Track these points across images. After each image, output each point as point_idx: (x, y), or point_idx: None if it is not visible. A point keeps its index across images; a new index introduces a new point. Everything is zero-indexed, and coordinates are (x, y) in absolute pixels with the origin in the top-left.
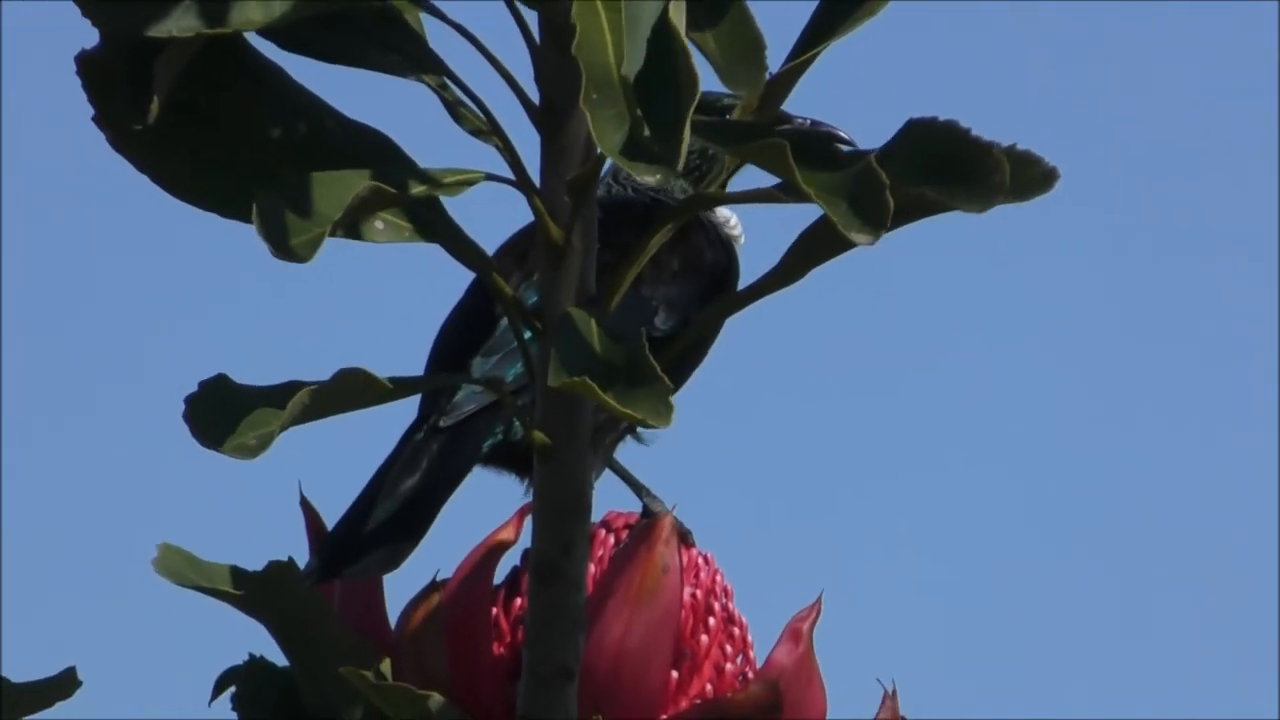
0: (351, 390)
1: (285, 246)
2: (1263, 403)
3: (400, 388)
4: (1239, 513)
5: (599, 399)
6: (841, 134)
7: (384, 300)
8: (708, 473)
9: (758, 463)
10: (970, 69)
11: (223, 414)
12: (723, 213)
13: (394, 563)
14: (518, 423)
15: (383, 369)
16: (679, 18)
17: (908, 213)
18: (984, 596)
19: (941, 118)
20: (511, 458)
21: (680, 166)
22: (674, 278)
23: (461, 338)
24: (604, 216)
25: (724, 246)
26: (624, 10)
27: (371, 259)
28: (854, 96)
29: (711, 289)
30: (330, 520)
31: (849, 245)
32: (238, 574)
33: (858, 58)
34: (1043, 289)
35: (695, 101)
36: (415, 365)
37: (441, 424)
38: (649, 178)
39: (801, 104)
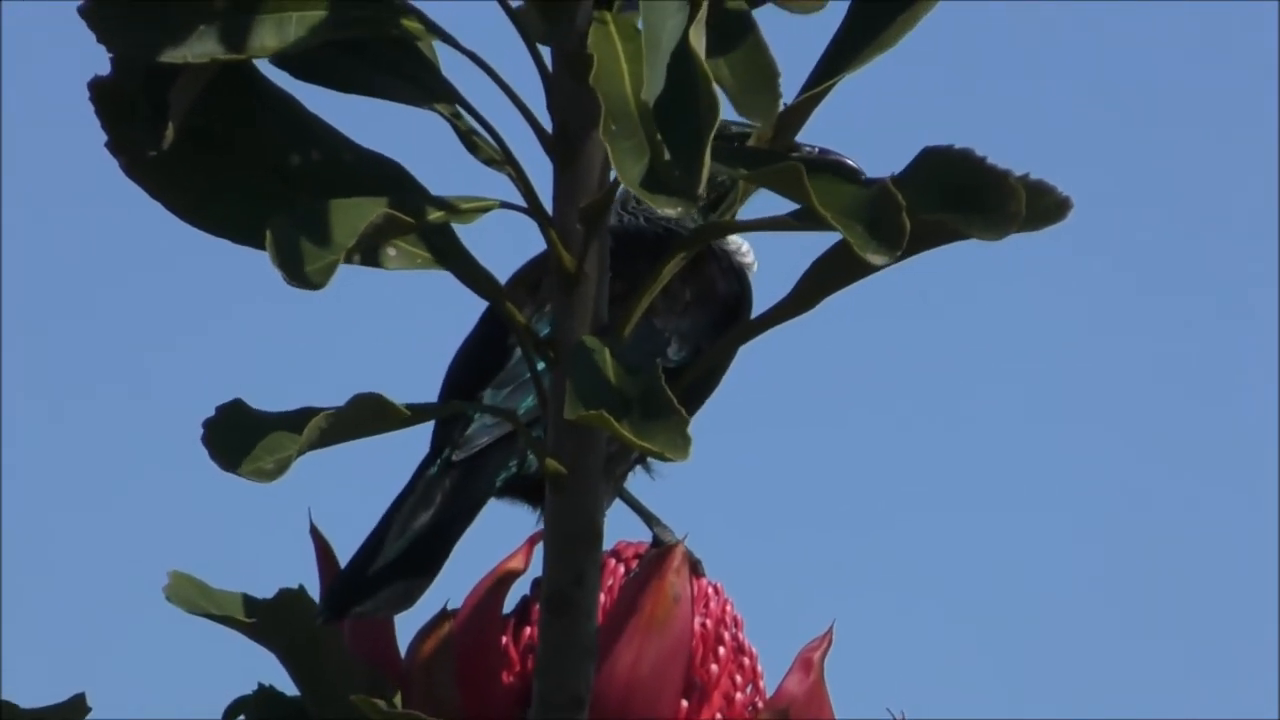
0: (367, 416)
1: (299, 274)
2: (1262, 407)
3: (416, 414)
4: (1239, 513)
5: (616, 432)
6: (849, 162)
7: (399, 327)
8: (719, 502)
9: (770, 492)
10: (986, 97)
11: (240, 438)
12: (735, 240)
13: (407, 602)
14: (531, 455)
15: (398, 396)
16: (699, 43)
17: (923, 240)
18: (995, 625)
19: (957, 146)
20: (524, 488)
21: (701, 197)
22: (687, 309)
23: (474, 367)
24: (615, 246)
25: (737, 275)
26: (644, 37)
27: (386, 286)
28: (870, 126)
29: (725, 318)
30: (341, 550)
31: (864, 271)
32: (248, 602)
33: (873, 87)
34: (1057, 315)
35: (715, 127)
36: (430, 393)
37: (455, 458)
38: (669, 210)
39: (816, 133)
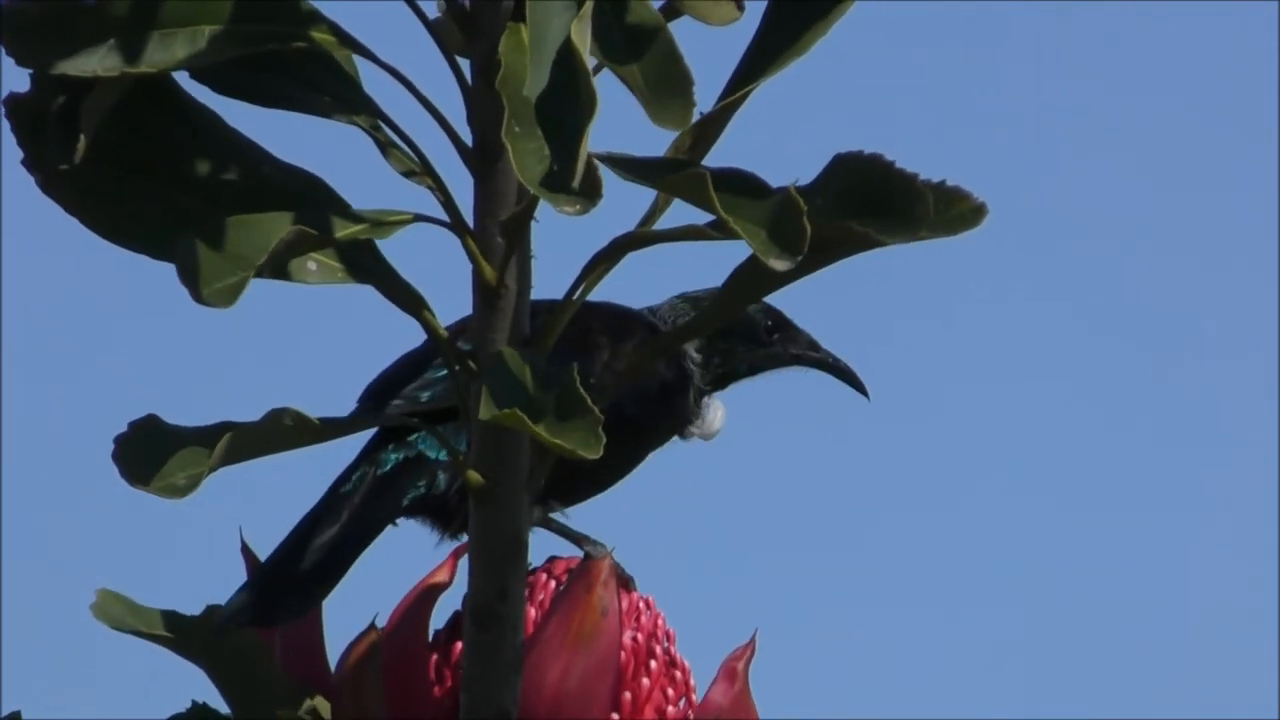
0: (281, 431)
1: (206, 292)
2: (1260, 418)
3: (331, 429)
4: (1238, 513)
5: (530, 430)
6: (855, 377)
7: (323, 341)
8: (648, 518)
9: (700, 507)
10: (913, 101)
11: (152, 454)
12: (715, 402)
13: (301, 611)
14: (441, 475)
15: (323, 411)
16: (582, 41)
17: (837, 247)
18: (918, 626)
19: (867, 152)
20: (434, 510)
21: (595, 193)
22: (615, 376)
23: (397, 384)
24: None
25: (680, 374)
26: (529, 35)
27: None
28: (790, 133)
29: (653, 399)
30: None
31: (776, 281)
32: (176, 619)
33: (792, 95)
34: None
35: (593, 121)
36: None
37: (367, 474)
38: (569, 209)
39: (734, 144)
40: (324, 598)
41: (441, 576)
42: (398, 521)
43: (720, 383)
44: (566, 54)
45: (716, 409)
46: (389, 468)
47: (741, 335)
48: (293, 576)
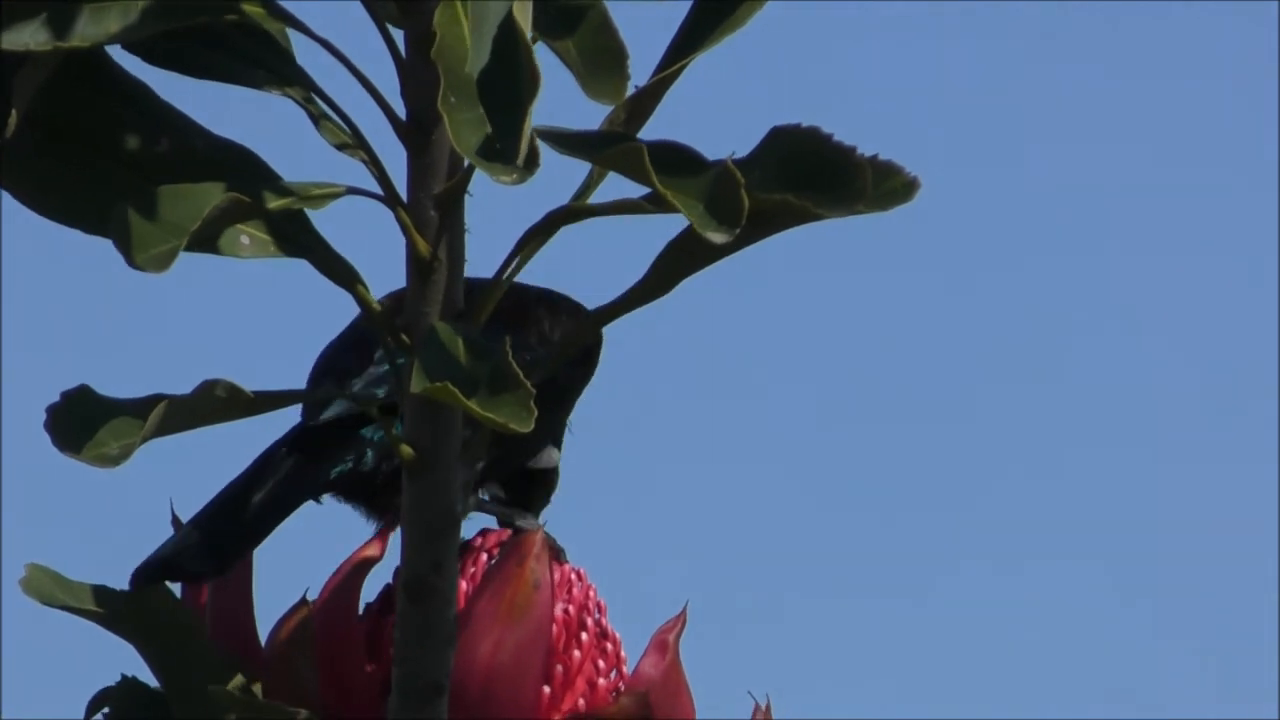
0: (214, 403)
1: (140, 258)
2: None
3: (263, 402)
4: (1237, 513)
5: (461, 404)
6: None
7: (258, 315)
8: (579, 489)
9: (631, 478)
10: (856, 73)
11: (84, 423)
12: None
13: (213, 572)
14: (370, 452)
15: (257, 385)
16: (524, 16)
17: (773, 220)
18: (874, 599)
19: (804, 124)
20: (357, 488)
21: (535, 163)
22: (550, 349)
23: (340, 363)
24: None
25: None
26: (470, 9)
27: (245, 274)
28: (726, 108)
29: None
30: None
31: (713, 254)
32: (105, 593)
33: (729, 68)
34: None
35: (536, 96)
36: (288, 382)
37: (307, 423)
38: (506, 178)
39: (670, 117)
40: (236, 560)
41: (373, 550)
42: (321, 499)
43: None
44: (508, 27)
45: None
46: (318, 440)
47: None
48: (209, 538)
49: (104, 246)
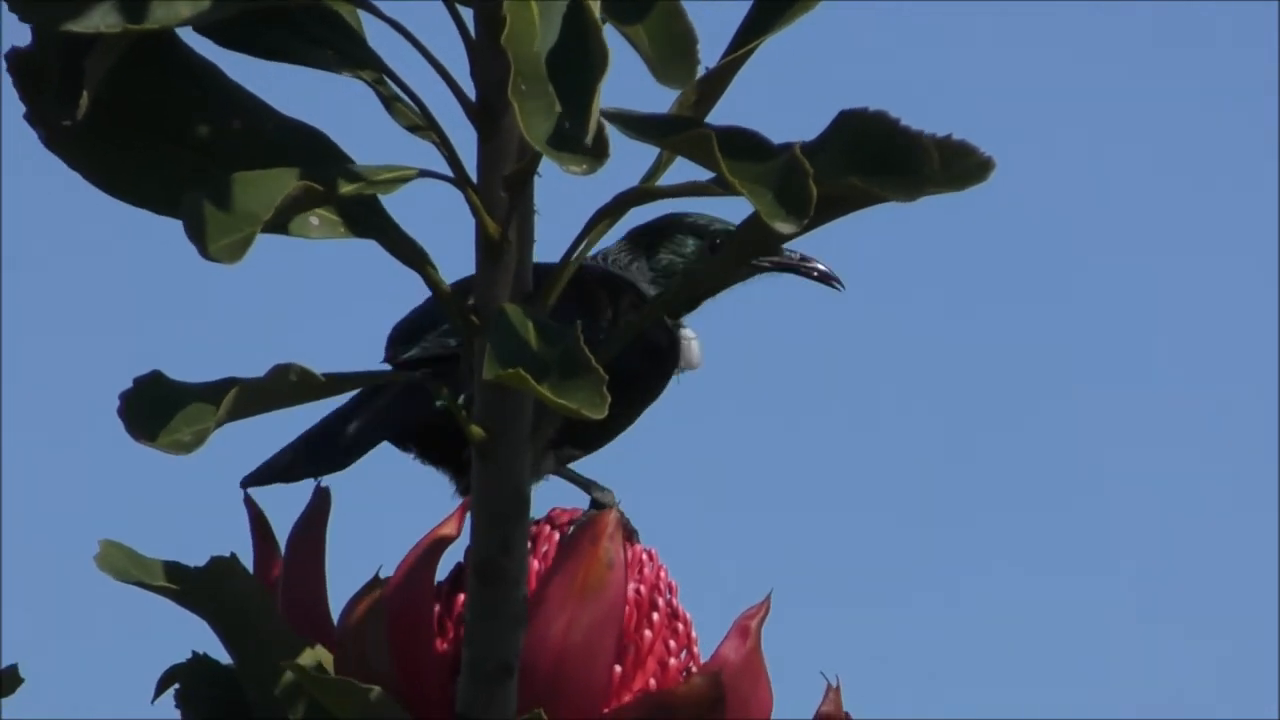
0: (286, 386)
1: (213, 248)
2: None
3: (335, 384)
4: (1237, 513)
5: (534, 390)
6: (824, 268)
7: (327, 296)
8: (652, 470)
9: (705, 460)
10: (923, 62)
11: (158, 410)
12: (686, 332)
13: (321, 473)
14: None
15: (327, 366)
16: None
17: (842, 204)
18: (937, 596)
19: (872, 108)
20: (447, 455)
21: (602, 153)
22: (616, 333)
23: (407, 340)
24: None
25: (669, 336)
26: None
27: (314, 254)
28: (793, 92)
29: (645, 358)
30: (274, 514)
31: (780, 241)
32: (180, 570)
33: (796, 52)
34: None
35: (604, 77)
36: (358, 362)
37: (402, 357)
38: (576, 169)
39: (739, 101)
40: (335, 468)
41: (449, 529)
42: (410, 448)
43: (688, 307)
44: (577, 10)
45: (690, 340)
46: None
47: (677, 248)
48: (311, 449)
49: (172, 228)
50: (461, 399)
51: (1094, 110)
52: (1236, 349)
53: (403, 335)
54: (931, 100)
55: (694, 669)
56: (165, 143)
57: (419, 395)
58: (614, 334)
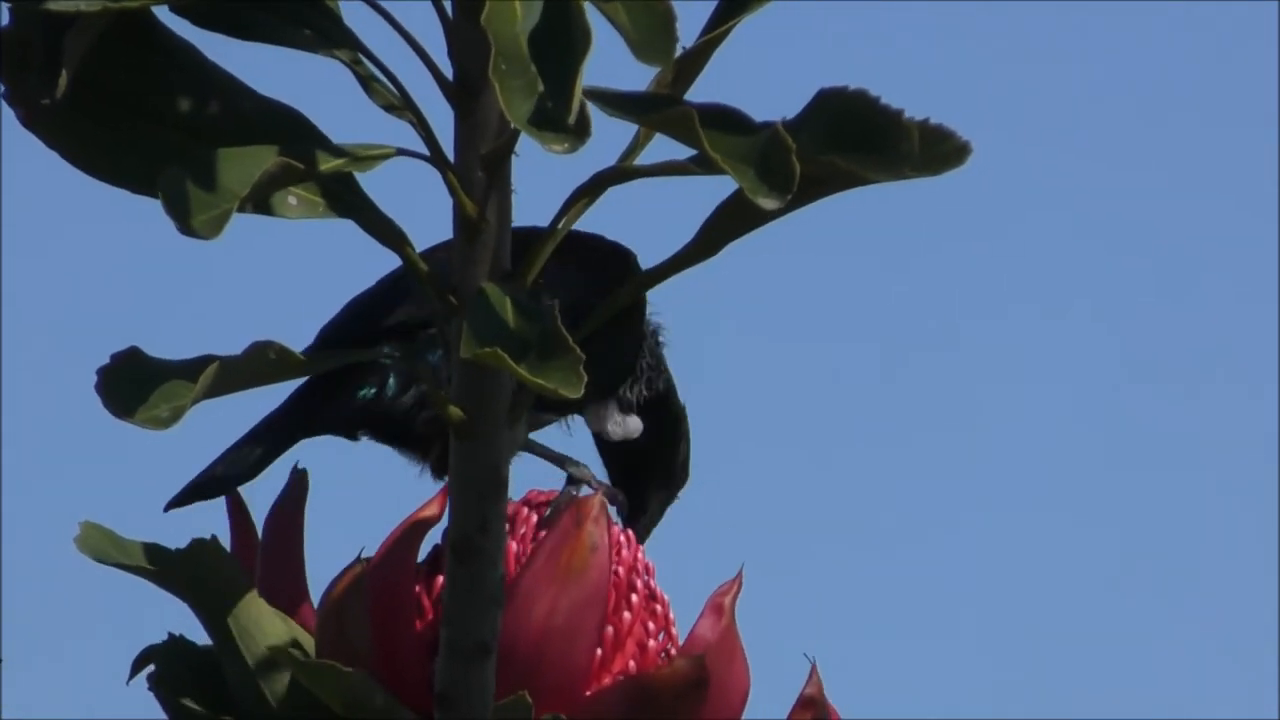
0: (264, 364)
1: (191, 223)
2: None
3: (313, 363)
4: (1236, 512)
5: (511, 369)
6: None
7: (304, 275)
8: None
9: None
10: (901, 46)
11: (136, 386)
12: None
13: (237, 480)
14: (393, 378)
15: (303, 345)
16: None
17: (821, 184)
18: (911, 569)
19: (852, 87)
20: (391, 426)
21: (584, 132)
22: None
23: (368, 317)
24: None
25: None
26: None
27: (290, 234)
28: (773, 71)
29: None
30: (253, 501)
31: (763, 217)
32: (159, 551)
33: (771, 34)
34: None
35: (587, 56)
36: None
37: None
38: (557, 147)
39: (717, 79)
40: (259, 471)
41: (430, 511)
42: (358, 435)
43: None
44: None
45: (631, 418)
46: (343, 370)
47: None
48: (233, 455)
49: (149, 207)
50: (411, 387)
51: (1085, 107)
52: (1236, 349)
53: (356, 317)
54: (909, 85)
55: (672, 650)
56: (144, 122)
57: (344, 389)
58: (597, 309)
